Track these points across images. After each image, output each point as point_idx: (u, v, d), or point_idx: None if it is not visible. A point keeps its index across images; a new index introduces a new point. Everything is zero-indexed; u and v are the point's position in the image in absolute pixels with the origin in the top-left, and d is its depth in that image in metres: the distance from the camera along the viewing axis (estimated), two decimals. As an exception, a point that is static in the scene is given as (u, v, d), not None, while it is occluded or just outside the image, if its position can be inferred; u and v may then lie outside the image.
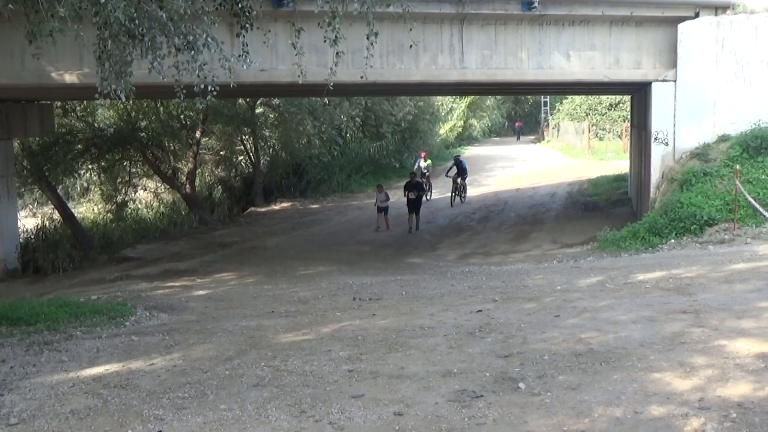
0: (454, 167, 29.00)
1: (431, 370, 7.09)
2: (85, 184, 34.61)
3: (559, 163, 41.15)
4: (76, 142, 28.50)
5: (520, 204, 27.71)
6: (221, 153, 35.25)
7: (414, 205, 23.91)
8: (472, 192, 32.12)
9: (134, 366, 7.98)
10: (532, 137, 65.86)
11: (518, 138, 65.86)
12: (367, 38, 11.00)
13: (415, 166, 30.10)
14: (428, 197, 26.86)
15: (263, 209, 31.78)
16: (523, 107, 74.89)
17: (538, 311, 9.43)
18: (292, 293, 13.54)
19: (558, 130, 55.95)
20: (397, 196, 27.90)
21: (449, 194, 28.85)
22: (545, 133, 61.27)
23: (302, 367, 7.47)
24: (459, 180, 28.60)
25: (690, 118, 17.48)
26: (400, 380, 6.86)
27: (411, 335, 8.55)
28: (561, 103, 56.43)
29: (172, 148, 30.84)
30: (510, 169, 40.65)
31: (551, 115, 60.36)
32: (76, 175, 31.84)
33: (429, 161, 30.96)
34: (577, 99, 51.62)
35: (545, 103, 64.21)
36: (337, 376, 7.11)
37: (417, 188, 24.22)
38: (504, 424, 5.72)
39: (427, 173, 29.81)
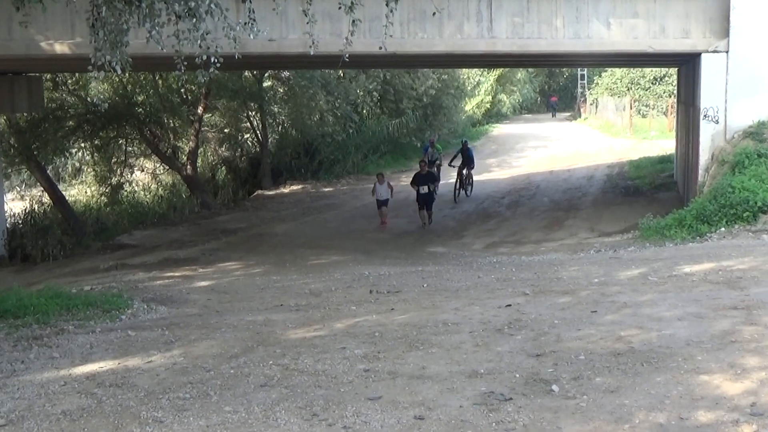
0: (460, 155, 27.28)
1: (455, 370, 7.10)
2: (77, 164, 34.78)
3: (598, 143, 41.01)
4: (67, 118, 28.62)
5: (553, 188, 27.64)
6: (225, 131, 35.33)
7: (427, 200, 22.26)
8: (501, 174, 32.08)
9: (131, 363, 8.03)
10: (568, 114, 65.67)
11: (554, 115, 65.73)
12: (387, 5, 10.94)
13: (424, 155, 27.33)
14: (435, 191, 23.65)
15: (271, 192, 31.86)
16: (558, 81, 74.62)
17: (573, 306, 9.41)
18: (302, 285, 13.58)
19: (596, 107, 55.73)
20: (398, 186, 27.78)
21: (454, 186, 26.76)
22: (582, 110, 61.04)
23: (314, 366, 7.50)
24: (465, 171, 26.89)
25: (743, 94, 17.33)
26: (422, 381, 6.87)
27: (433, 332, 8.56)
28: (600, 76, 56.17)
29: (171, 125, 30.92)
30: (543, 149, 40.55)
31: (589, 89, 60.08)
32: (68, 155, 32.01)
33: (439, 147, 29.42)
34: (618, 72, 51.32)
35: (582, 77, 63.95)
36: (352, 376, 7.13)
37: (429, 180, 22.57)
38: (536, 430, 5.72)
39: (439, 163, 28.08)
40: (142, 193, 33.83)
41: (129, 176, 33.89)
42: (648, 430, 5.58)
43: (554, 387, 6.50)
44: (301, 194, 30.92)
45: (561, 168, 32.62)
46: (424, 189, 22.19)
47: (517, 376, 6.85)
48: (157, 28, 9.51)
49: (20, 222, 26.34)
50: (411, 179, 23.24)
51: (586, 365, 6.99)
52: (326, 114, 33.63)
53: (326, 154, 34.49)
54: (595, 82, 57.78)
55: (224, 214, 27.89)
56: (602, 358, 7.16)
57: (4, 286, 15.19)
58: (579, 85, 64.40)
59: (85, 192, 33.95)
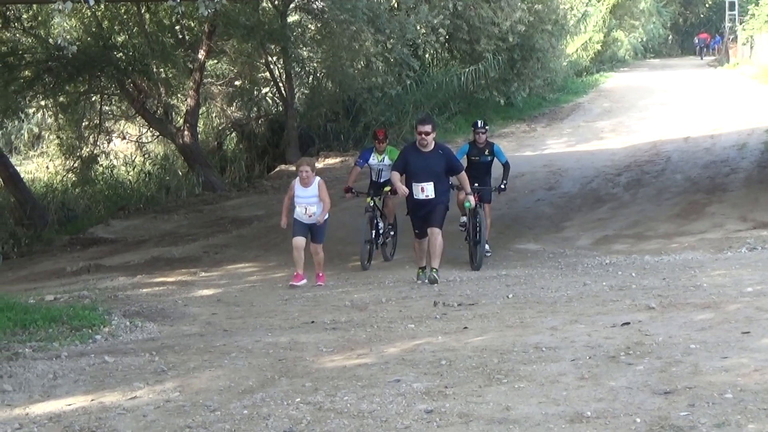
0: (465, 157, 17.37)
1: (552, 412, 7.09)
2: (36, 130, 35.13)
3: (753, 98, 40.47)
4: (22, 66, 28.90)
5: (690, 161, 27.36)
6: (236, 83, 35.43)
7: (427, 217, 14.77)
8: (616, 142, 31.84)
9: (108, 400, 8.12)
10: (711, 58, 65.10)
11: (702, 57, 65.70)
12: None
13: (360, 163, 18.63)
14: (380, 240, 17.39)
15: (299, 168, 31.91)
16: (697, 11, 73.85)
17: (716, 325, 9.35)
18: (341, 294, 13.61)
19: (752, 47, 55.03)
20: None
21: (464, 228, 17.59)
22: (731, 52, 60.32)
23: (357, 406, 7.53)
24: (474, 200, 16.07)
25: None
26: (505, 427, 6.88)
27: (521, 359, 8.56)
28: (757, 4, 55.36)
29: (163, 75, 31.06)
30: (675, 106, 40.13)
31: (741, 23, 59.33)
32: (23, 116, 32.30)
33: (392, 149, 17.91)
34: (784, -2, 50.68)
35: (732, 6, 63.16)
36: (409, 420, 7.15)
37: (437, 172, 14.67)
38: (663, 496, 5.71)
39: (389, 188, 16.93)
40: (123, 168, 34.06)
41: (105, 146, 34.09)
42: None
43: (690, 437, 6.48)
44: (339, 170, 30.90)
45: (701, 133, 32.24)
46: (421, 192, 14.58)
47: (638, 420, 6.82)
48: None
49: (-40, 209, 26.72)
50: (393, 163, 15.69)
51: (735, 407, 6.93)
52: (374, 60, 33.54)
53: (374, 114, 34.39)
54: (749, 12, 56.93)
55: (235, 197, 28.01)
56: (757, 397, 7.10)
57: (-62, 294, 15.46)
58: (727, 18, 63.63)
59: (47, 167, 34.25)
